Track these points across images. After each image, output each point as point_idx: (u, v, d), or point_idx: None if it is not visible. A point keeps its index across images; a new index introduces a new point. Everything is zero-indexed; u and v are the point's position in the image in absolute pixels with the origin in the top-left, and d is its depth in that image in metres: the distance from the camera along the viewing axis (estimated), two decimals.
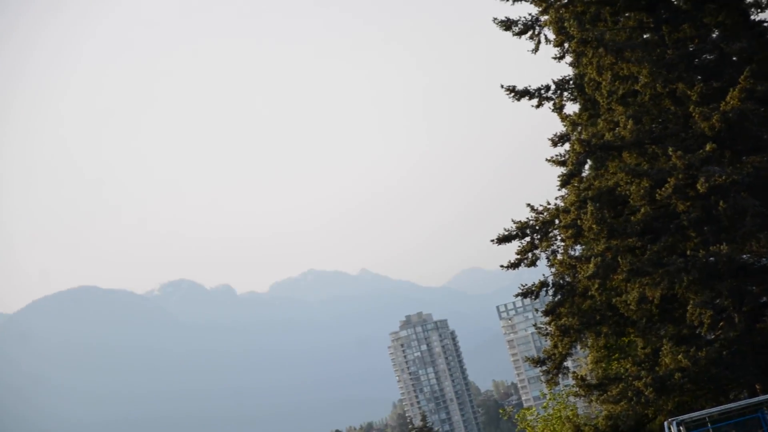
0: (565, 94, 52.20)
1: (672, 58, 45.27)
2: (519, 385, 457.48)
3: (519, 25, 50.77)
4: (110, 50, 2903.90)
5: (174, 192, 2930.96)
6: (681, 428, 40.85)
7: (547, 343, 52.44)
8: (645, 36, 46.83)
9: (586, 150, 46.52)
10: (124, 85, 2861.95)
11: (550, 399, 65.58)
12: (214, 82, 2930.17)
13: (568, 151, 51.31)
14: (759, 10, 47.73)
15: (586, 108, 51.13)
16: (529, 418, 70.26)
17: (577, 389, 49.77)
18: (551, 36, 49.95)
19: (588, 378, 50.86)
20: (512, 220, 50.94)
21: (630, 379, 45.31)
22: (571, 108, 52.55)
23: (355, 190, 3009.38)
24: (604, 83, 46.53)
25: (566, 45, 49.34)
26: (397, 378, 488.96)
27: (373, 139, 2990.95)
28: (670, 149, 43.61)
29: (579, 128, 51.28)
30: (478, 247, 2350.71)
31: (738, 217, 43.17)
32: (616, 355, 53.57)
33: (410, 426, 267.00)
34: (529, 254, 50.86)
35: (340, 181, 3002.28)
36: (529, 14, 50.64)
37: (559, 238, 50.61)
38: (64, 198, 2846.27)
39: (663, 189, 43.21)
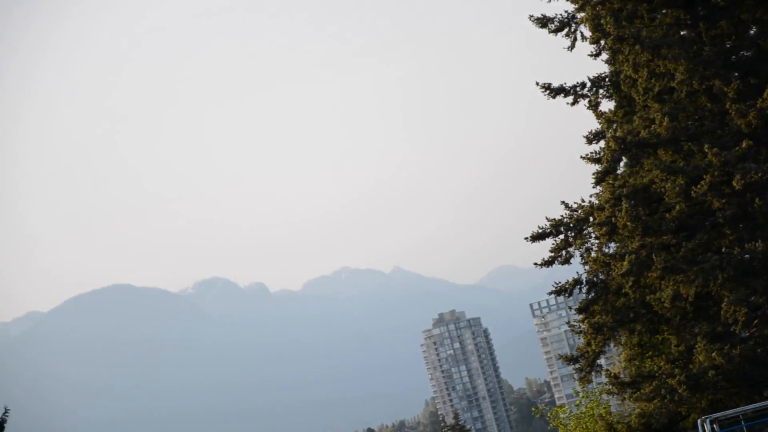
0: (601, 91, 52.12)
1: (709, 55, 45.11)
2: (552, 383, 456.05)
3: (555, 23, 50.75)
4: (152, 47, 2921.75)
5: (208, 192, 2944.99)
6: (714, 426, 40.72)
7: (581, 341, 52.40)
8: (682, 33, 46.69)
9: (622, 147, 46.45)
10: (146, 86, 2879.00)
11: (583, 397, 65.45)
12: (233, 82, 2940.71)
13: (603, 148, 51.26)
14: None
15: (621, 105, 51.01)
16: (561, 416, 70.08)
17: (611, 387, 49.73)
18: (587, 33, 49.90)
19: (621, 376, 50.82)
20: (546, 218, 50.94)
21: (663, 376, 45.22)
22: (607, 105, 52.47)
23: (388, 188, 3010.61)
24: (640, 80, 46.40)
25: (602, 42, 49.27)
26: (430, 376, 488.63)
27: (406, 137, 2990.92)
28: (706, 146, 43.47)
29: (614, 125, 51.20)
30: (511, 244, 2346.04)
31: None
32: (650, 352, 53.42)
33: (443, 424, 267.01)
34: (563, 252, 50.85)
35: (373, 178, 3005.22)
36: (566, 11, 50.62)
37: (593, 235, 50.55)
38: (99, 197, 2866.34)
39: (698, 186, 43.07)
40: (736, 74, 45.58)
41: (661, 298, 45.09)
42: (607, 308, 49.75)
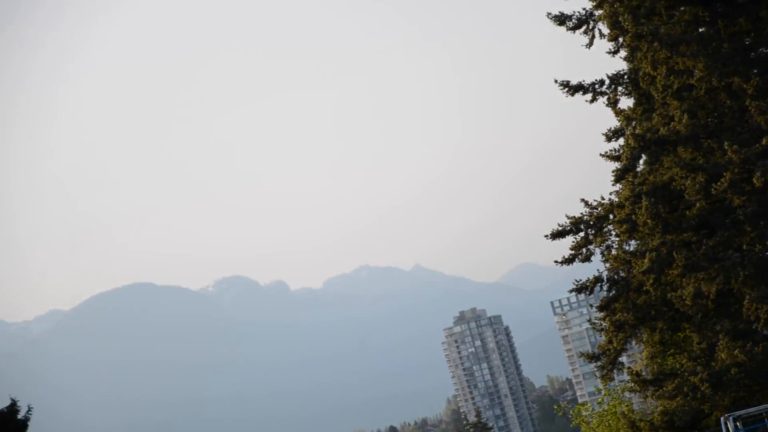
0: (620, 88, 52.07)
1: (728, 52, 44.97)
2: (574, 381, 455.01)
3: (573, 20, 50.80)
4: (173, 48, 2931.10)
5: (229, 191, 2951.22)
6: (738, 424, 40.63)
7: (602, 339, 52.38)
8: (700, 30, 46.56)
9: (641, 145, 46.41)
10: (165, 85, 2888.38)
11: (605, 395, 65.42)
12: (250, 84, 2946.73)
13: (623, 146, 51.22)
14: None
15: (640, 102, 50.93)
16: (584, 413, 70.07)
17: (633, 385, 49.70)
18: (605, 30, 49.89)
19: (643, 373, 50.77)
20: (566, 216, 50.98)
21: (686, 374, 45.16)
22: (626, 103, 52.41)
23: (407, 185, 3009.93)
24: (659, 77, 46.31)
25: (621, 39, 49.25)
26: (451, 374, 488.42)
27: (423, 134, 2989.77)
28: (726, 143, 43.35)
29: (633, 123, 51.14)
30: (532, 242, 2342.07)
31: None
32: (672, 350, 53.37)
33: (465, 422, 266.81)
34: (584, 249, 50.91)
35: (393, 176, 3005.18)
36: (583, 9, 50.65)
37: (613, 233, 50.56)
38: (120, 195, 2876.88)
39: (719, 183, 42.97)
40: (756, 71, 45.43)
41: (683, 296, 45.03)
42: (628, 306, 49.74)
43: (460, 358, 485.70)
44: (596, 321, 53.11)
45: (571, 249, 50.71)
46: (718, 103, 45.82)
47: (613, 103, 52.00)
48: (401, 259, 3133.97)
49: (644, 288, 48.07)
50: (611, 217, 50.01)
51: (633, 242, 50.30)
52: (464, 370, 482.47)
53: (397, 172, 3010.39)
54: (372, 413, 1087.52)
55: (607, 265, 51.44)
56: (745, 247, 43.66)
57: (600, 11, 49.65)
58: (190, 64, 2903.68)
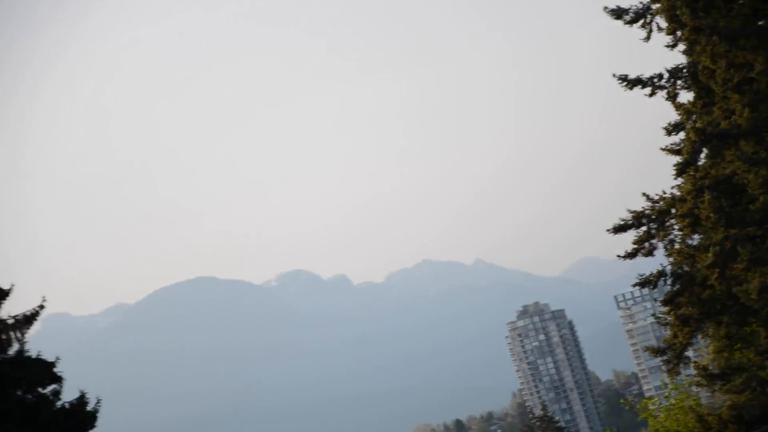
0: (679, 82, 51.73)
1: None
2: (640, 375, 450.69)
3: (630, 14, 50.62)
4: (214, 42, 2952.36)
5: (292, 184, 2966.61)
6: None
7: (667, 333, 52.15)
8: (760, 23, 46.14)
9: (702, 138, 46.16)
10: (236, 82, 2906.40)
11: (671, 389, 64.96)
12: (316, 75, 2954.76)
13: (683, 140, 50.93)
14: None
15: (700, 96, 50.56)
16: (651, 407, 69.64)
17: (699, 379, 49.43)
18: (663, 24, 49.62)
19: (710, 368, 50.44)
20: (628, 210, 50.82)
21: (754, 369, 44.87)
22: (685, 96, 52.07)
23: (468, 180, 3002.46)
24: (718, 71, 45.95)
25: (679, 33, 48.94)
26: (516, 368, 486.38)
27: (489, 129, 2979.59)
28: None
29: (694, 117, 50.81)
30: (593, 236, 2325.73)
31: None
32: (738, 344, 52.94)
33: (531, 415, 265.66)
34: (646, 244, 50.73)
35: (453, 171, 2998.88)
36: (641, 2, 50.44)
37: (676, 227, 50.30)
38: (183, 192, 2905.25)
39: None
40: None
41: (748, 290, 44.70)
42: (692, 300, 49.52)
43: (524, 352, 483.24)
44: (661, 315, 52.90)
45: (634, 243, 50.57)
46: None
47: (672, 97, 51.70)
48: (462, 254, 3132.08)
49: (709, 282, 47.81)
50: (673, 211, 49.78)
51: (696, 236, 50.02)
52: (528, 364, 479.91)
53: (457, 167, 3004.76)
54: (437, 406, 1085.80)
55: (671, 259, 51.22)
56: None
57: (657, 5, 49.45)
58: (252, 64, 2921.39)
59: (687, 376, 64.53)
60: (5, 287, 39.50)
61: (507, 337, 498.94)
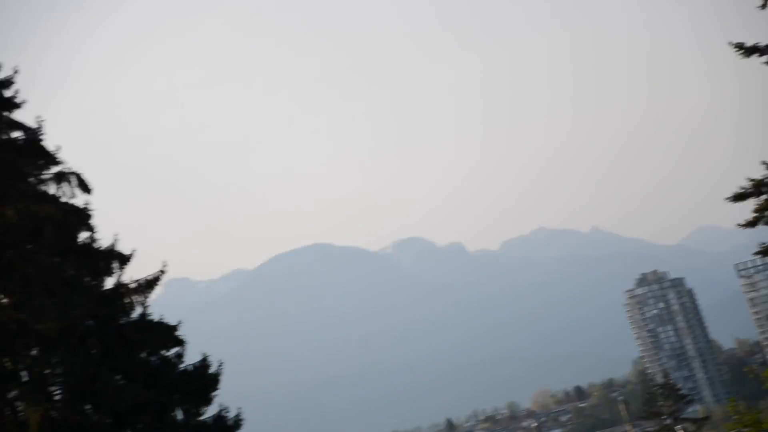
0: None
1: None
2: (763, 343, 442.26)
3: None
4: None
5: (409, 151, 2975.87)
6: None
7: None
8: None
9: None
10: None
11: None
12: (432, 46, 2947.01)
13: None
14: None
15: None
16: None
17: None
18: None
19: None
20: (748, 178, 49.76)
21: None
22: None
23: (586, 147, 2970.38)
24: None
25: None
26: (635, 335, 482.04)
27: (601, 97, 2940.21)
28: None
29: None
30: (712, 204, 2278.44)
31: None
32: None
33: (652, 383, 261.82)
34: (767, 212, 49.72)
35: (572, 137, 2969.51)
36: None
37: None
38: (301, 158, 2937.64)
39: None
40: None
41: None
42: None
43: (644, 320, 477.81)
44: None
45: (754, 211, 49.52)
46: None
47: None
48: (578, 222, 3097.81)
49: None
50: None
51: None
52: (648, 332, 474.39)
53: (576, 132, 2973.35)
54: (555, 373, 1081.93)
55: None
56: None
57: None
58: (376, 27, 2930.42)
59: None
60: (126, 253, 39.89)
61: (626, 304, 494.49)
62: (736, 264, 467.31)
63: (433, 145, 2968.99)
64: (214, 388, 40.22)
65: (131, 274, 39.97)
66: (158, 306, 41.22)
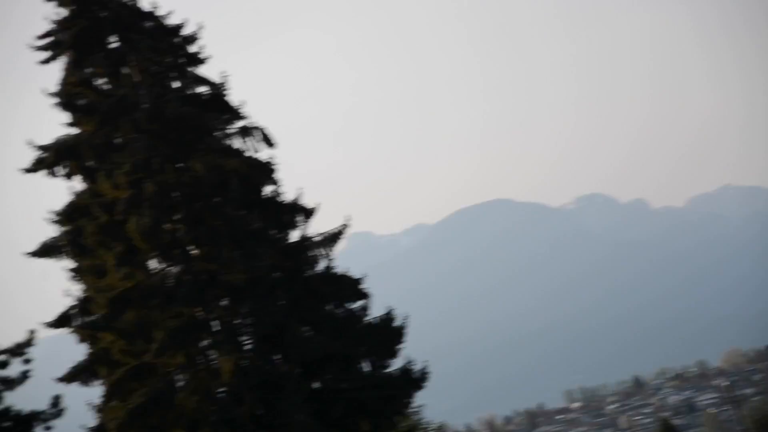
0: None
1: None
2: None
3: None
4: None
5: (583, 107, 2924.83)
6: None
7: None
8: None
9: None
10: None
11: None
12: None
13: None
14: None
15: None
16: None
17: None
18: None
19: None
20: None
21: None
22: None
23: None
24: None
25: None
26: None
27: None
28: None
29: None
30: None
31: None
32: None
33: None
34: None
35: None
36: None
37: None
38: (479, 115, 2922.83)
39: None
40: None
41: None
42: None
43: None
44: None
45: None
46: None
47: None
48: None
49: None
50: None
51: None
52: None
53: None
54: (744, 333, 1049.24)
55: None
56: None
57: None
58: None
59: None
60: (310, 206, 40.01)
61: None
62: None
63: (613, 98, 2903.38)
64: (400, 341, 40.04)
65: (316, 227, 39.92)
66: (342, 259, 41.15)
